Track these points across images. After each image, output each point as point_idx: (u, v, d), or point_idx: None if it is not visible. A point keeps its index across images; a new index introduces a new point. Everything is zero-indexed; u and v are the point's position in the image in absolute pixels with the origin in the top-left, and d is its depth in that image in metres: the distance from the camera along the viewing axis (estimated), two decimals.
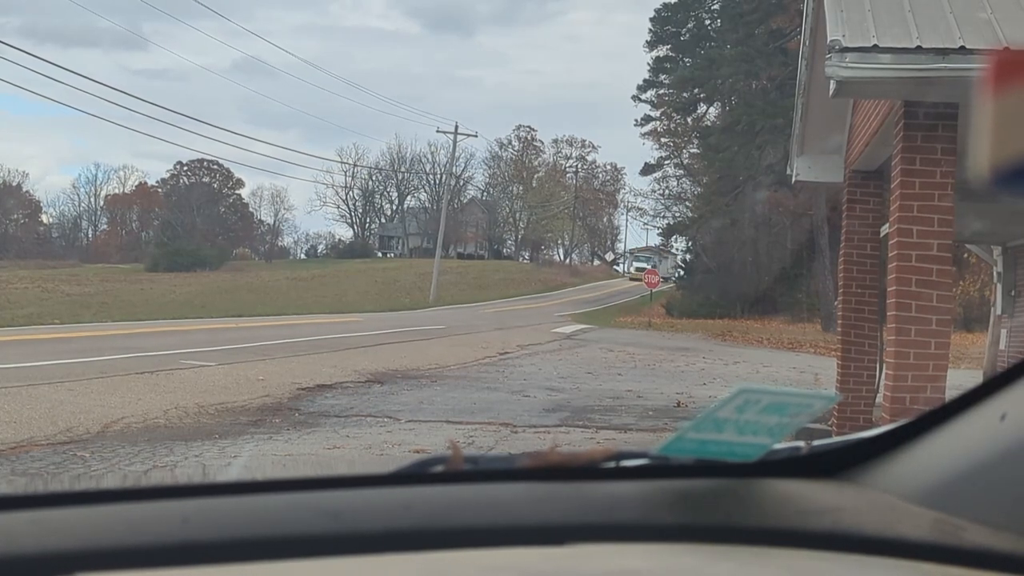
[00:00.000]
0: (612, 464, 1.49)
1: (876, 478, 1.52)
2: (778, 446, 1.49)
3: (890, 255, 9.45)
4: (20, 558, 1.12)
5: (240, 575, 1.15)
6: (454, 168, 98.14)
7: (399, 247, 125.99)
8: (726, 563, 1.26)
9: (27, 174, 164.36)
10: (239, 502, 1.32)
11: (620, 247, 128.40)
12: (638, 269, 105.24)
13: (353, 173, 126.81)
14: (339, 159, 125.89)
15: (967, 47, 8.18)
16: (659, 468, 1.49)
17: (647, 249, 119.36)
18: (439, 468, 1.47)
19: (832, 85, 8.80)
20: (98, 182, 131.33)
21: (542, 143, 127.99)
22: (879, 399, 11.61)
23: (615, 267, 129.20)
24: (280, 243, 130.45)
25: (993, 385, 1.47)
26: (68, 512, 1.25)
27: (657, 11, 68.78)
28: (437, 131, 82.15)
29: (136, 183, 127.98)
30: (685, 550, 1.29)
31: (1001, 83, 0.85)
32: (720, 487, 1.45)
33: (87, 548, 1.15)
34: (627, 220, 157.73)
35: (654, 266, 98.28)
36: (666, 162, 77.48)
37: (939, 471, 1.46)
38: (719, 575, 1.23)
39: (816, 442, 1.60)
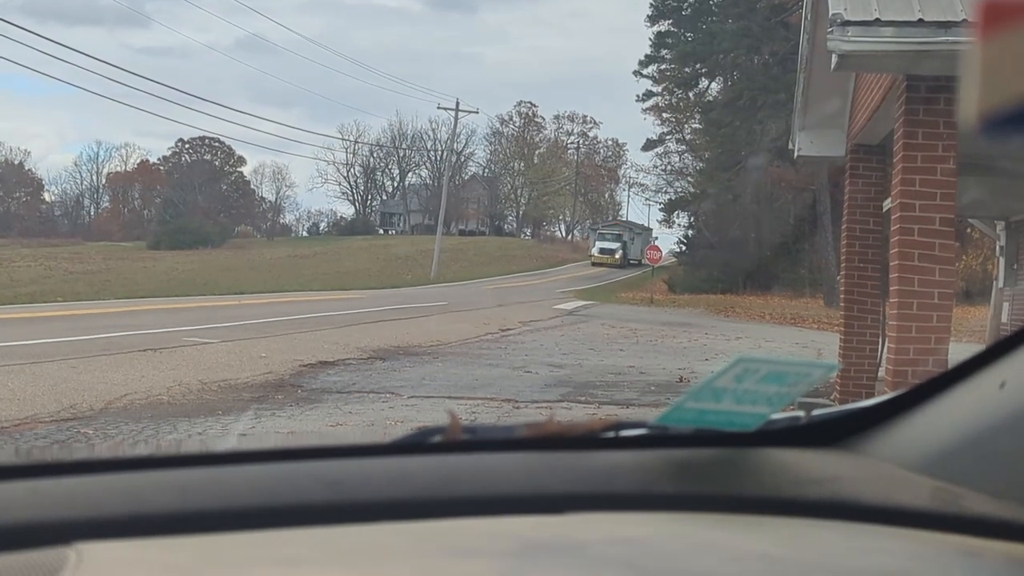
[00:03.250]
0: (610, 434, 1.50)
1: (875, 447, 1.52)
2: (777, 415, 1.49)
3: (892, 229, 9.44)
4: (19, 527, 1.12)
5: (238, 544, 1.15)
6: (455, 145, 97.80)
7: (400, 224, 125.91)
8: (724, 532, 1.26)
9: (29, 152, 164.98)
10: (237, 471, 1.32)
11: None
12: (603, 251, 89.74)
13: (354, 150, 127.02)
14: (340, 136, 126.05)
15: (969, 19, 8.14)
16: (658, 438, 1.49)
17: (617, 224, 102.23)
18: (437, 438, 1.47)
19: (834, 59, 8.78)
20: (100, 160, 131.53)
21: (543, 119, 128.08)
22: (881, 372, 11.62)
23: None
24: (282, 220, 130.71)
25: (992, 354, 1.47)
26: (66, 482, 1.25)
27: None
28: (438, 108, 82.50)
29: (138, 161, 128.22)
30: (683, 519, 1.29)
31: (991, 28, 0.85)
32: (719, 456, 1.45)
33: (85, 518, 1.15)
34: (629, 196, 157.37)
35: (622, 245, 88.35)
36: (668, 137, 77.41)
37: (938, 440, 1.46)
38: (717, 544, 1.23)
39: (815, 411, 1.60)
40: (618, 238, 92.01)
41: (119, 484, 1.25)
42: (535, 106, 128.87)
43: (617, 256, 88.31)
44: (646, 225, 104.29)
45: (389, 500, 1.26)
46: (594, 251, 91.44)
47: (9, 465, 1.36)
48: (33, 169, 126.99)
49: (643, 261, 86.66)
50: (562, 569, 1.11)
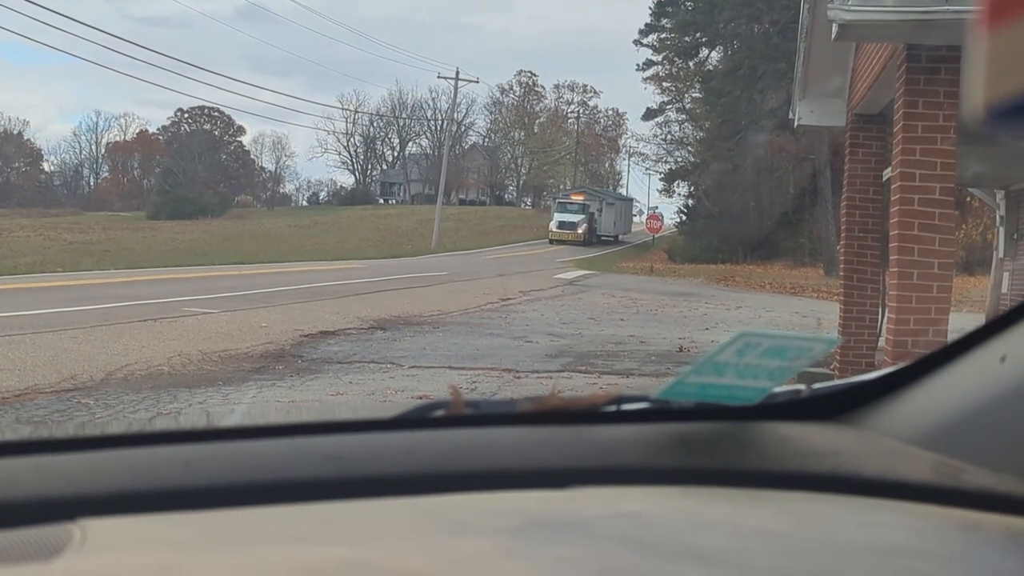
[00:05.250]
0: (613, 408, 1.50)
1: (876, 420, 1.53)
2: (779, 389, 1.49)
3: (892, 199, 9.42)
4: (23, 503, 1.13)
5: (242, 520, 1.15)
6: (455, 114, 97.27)
7: (401, 194, 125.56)
8: (726, 506, 1.27)
9: (28, 122, 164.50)
10: (241, 447, 1.33)
11: (622, 190, 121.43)
12: (562, 225, 73.23)
13: (354, 119, 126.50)
14: (340, 106, 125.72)
15: None
16: (660, 412, 1.49)
17: (582, 191, 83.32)
18: (440, 413, 1.47)
19: (835, 28, 8.74)
20: (99, 130, 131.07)
21: (543, 88, 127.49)
22: (881, 343, 11.62)
23: None
24: (281, 190, 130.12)
25: (993, 327, 1.47)
26: (71, 458, 1.25)
27: None
28: (438, 77, 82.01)
29: (137, 131, 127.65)
30: (685, 493, 1.30)
31: (997, 19, 0.85)
32: (720, 430, 1.46)
33: (89, 493, 1.16)
34: (629, 165, 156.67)
35: (587, 217, 74.24)
36: (668, 107, 77.10)
37: (939, 413, 1.46)
38: (719, 518, 1.23)
39: (817, 385, 1.61)
40: (582, 209, 75.17)
41: (123, 460, 1.25)
42: (535, 75, 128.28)
43: (580, 231, 72.96)
44: (624, 194, 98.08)
45: (392, 475, 1.26)
46: (552, 225, 74.80)
47: (14, 441, 1.36)
48: (32, 139, 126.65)
49: (620, 237, 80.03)
50: (565, 543, 1.11)
